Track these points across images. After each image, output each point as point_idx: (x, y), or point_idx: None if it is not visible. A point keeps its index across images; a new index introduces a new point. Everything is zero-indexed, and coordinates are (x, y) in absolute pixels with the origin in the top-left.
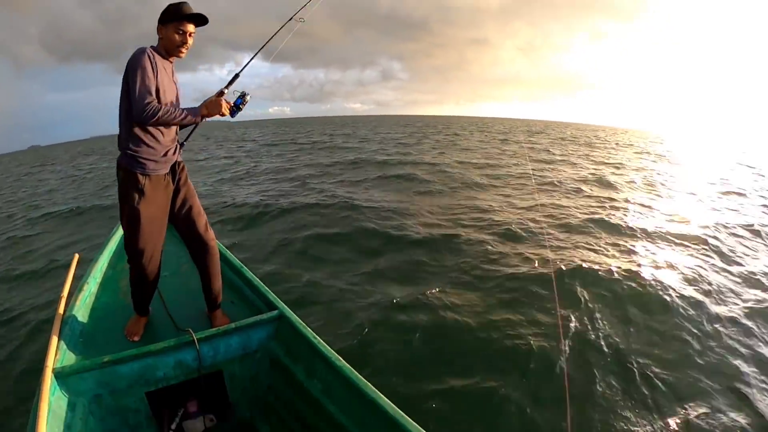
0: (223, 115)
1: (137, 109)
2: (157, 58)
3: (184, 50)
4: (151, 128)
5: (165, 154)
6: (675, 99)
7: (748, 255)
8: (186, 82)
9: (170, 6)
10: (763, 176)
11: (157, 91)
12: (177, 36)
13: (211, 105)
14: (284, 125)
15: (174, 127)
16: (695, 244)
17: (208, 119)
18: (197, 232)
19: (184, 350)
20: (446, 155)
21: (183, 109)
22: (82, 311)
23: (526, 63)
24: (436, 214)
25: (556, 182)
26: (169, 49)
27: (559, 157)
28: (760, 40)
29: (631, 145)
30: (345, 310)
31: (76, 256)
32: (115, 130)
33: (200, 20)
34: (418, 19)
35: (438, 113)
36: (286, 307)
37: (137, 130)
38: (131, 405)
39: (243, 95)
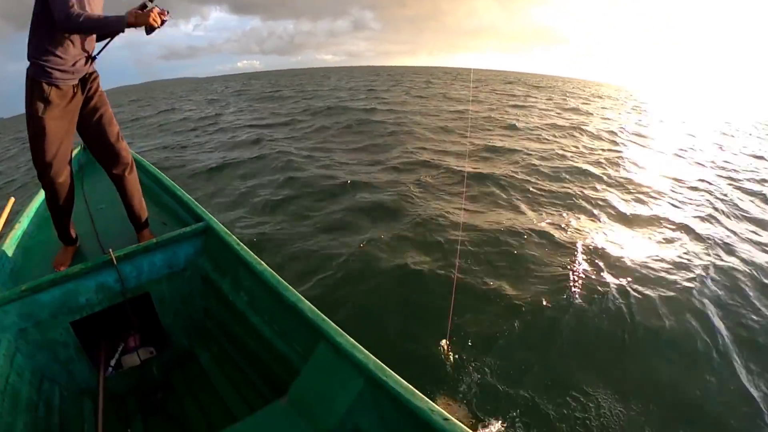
0: (150, 26)
1: (59, 14)
2: None
3: None
4: (60, 38)
5: (74, 64)
6: (659, 59)
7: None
8: (151, 40)
9: None
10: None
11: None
12: None
13: (140, 15)
14: (253, 78)
15: (85, 39)
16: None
17: (132, 29)
18: (108, 142)
19: (105, 272)
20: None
21: (107, 16)
22: (12, 249)
23: (503, 14)
24: (370, 164)
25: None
26: None
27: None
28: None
29: (601, 97)
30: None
31: (12, 199)
32: None
33: None
34: None
35: (411, 64)
36: (213, 218)
37: (46, 40)
38: (58, 337)
39: (164, 12)
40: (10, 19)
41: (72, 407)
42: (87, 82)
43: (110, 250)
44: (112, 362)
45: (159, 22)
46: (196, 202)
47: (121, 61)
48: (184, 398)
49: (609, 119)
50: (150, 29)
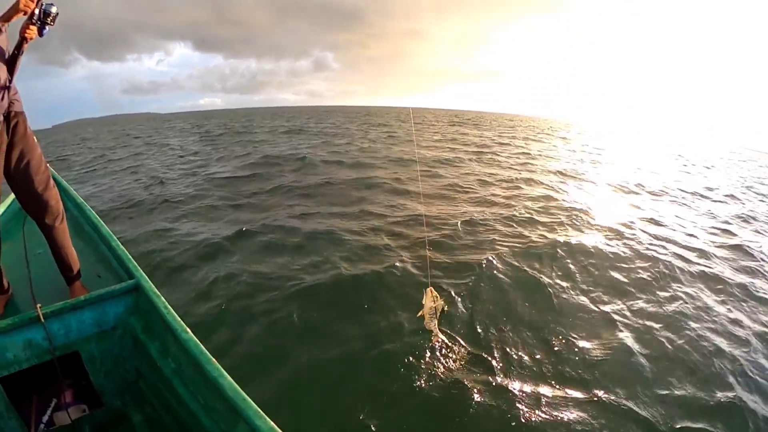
0: (24, 13)
1: None
2: None
3: None
4: None
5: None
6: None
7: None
8: (113, 72)
9: None
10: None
11: None
12: None
13: (9, 10)
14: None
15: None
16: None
17: (8, 23)
18: (35, 191)
19: (32, 328)
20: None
21: None
22: None
23: (460, 55)
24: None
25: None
26: None
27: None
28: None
29: (533, 128)
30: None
31: None
32: (43, 124)
33: None
34: (351, 8)
35: (372, 104)
36: (144, 275)
37: None
38: None
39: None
40: None
41: None
42: (10, 120)
43: (38, 306)
44: (44, 419)
45: (31, 7)
46: (129, 256)
47: (82, 94)
48: None
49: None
50: (41, 25)
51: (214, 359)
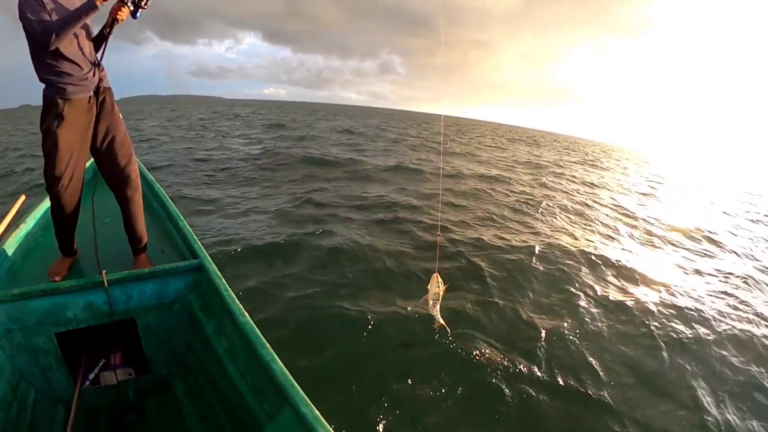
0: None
1: (40, 38)
2: None
3: None
4: (61, 52)
5: (83, 78)
6: (675, 122)
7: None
8: (184, 54)
9: None
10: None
11: (52, 13)
12: None
13: None
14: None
15: (85, 48)
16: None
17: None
18: (118, 165)
19: (95, 291)
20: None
21: (76, 9)
22: (13, 247)
23: (526, 71)
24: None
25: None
26: None
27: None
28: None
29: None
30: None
31: (22, 197)
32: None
33: None
34: (423, 15)
35: (433, 111)
36: (207, 256)
37: (49, 60)
38: (41, 344)
39: None
40: None
41: (45, 412)
42: (99, 95)
43: (103, 272)
44: (90, 376)
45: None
46: (195, 237)
47: (152, 71)
48: (154, 426)
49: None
50: (134, 9)
51: (268, 344)
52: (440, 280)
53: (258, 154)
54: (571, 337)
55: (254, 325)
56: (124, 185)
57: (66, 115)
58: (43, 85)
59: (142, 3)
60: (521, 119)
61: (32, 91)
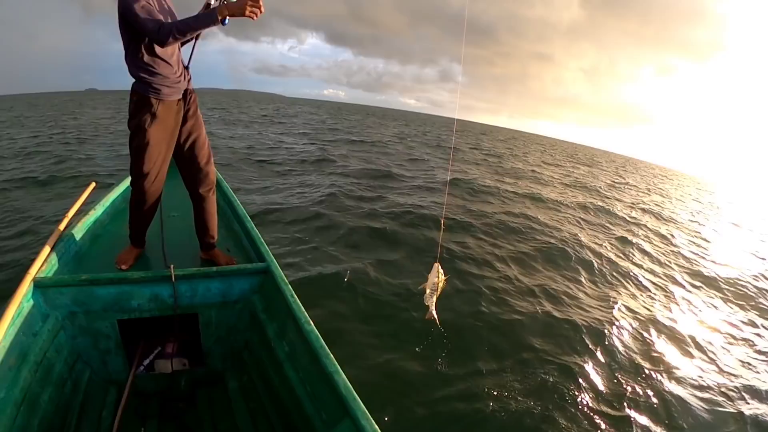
0: (249, 17)
1: (155, 36)
2: None
3: None
4: (158, 54)
5: (176, 78)
6: (742, 149)
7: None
8: (247, 51)
9: None
10: None
11: (162, 12)
12: None
13: (233, 6)
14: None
15: (177, 51)
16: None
17: (225, 23)
18: (197, 164)
19: (161, 284)
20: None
21: (196, 16)
22: (81, 232)
23: (588, 87)
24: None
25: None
26: None
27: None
28: None
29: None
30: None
31: (93, 183)
32: None
33: None
34: (485, 24)
35: (490, 123)
36: (274, 260)
37: (146, 58)
38: (103, 329)
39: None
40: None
41: (97, 392)
42: (187, 97)
43: (171, 266)
44: (146, 362)
45: (257, 14)
46: (262, 240)
47: (216, 65)
48: (204, 417)
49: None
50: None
51: (331, 354)
52: (441, 270)
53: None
54: None
55: (319, 334)
56: (202, 184)
57: (159, 114)
58: (132, 80)
59: None
60: (581, 137)
61: (97, 77)
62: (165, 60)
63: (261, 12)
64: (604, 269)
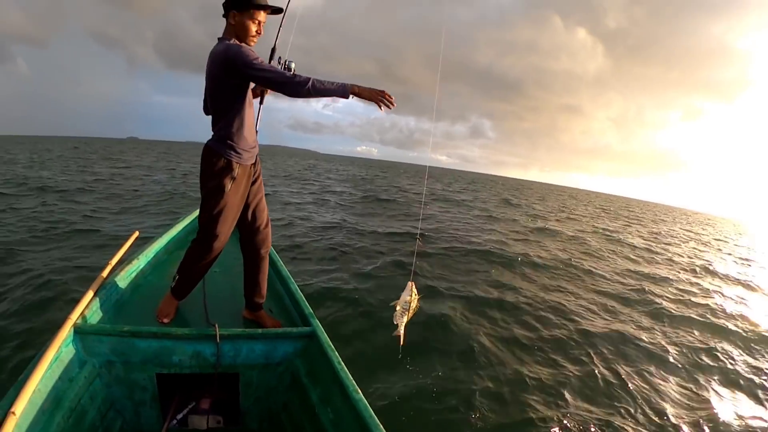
0: (378, 105)
1: (290, 88)
2: None
3: (256, 39)
4: (246, 119)
5: (253, 145)
6: None
7: None
8: (282, 108)
9: None
10: None
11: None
12: (252, 25)
13: (365, 90)
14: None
15: (254, 117)
16: None
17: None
18: (259, 226)
19: (205, 342)
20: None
21: (332, 82)
22: (123, 281)
23: (617, 136)
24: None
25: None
26: (241, 36)
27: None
28: None
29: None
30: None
31: (136, 233)
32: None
33: (275, 10)
34: (513, 79)
35: (522, 177)
36: (319, 325)
37: (236, 121)
38: (140, 381)
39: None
40: (164, 57)
41: None
42: (256, 162)
43: (216, 325)
44: (179, 416)
45: (389, 105)
46: (306, 302)
47: None
48: None
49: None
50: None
51: (381, 426)
52: (415, 290)
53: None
54: None
55: (368, 404)
56: (262, 245)
57: (238, 178)
58: (212, 139)
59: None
60: (614, 188)
61: (138, 126)
62: (249, 124)
63: (391, 107)
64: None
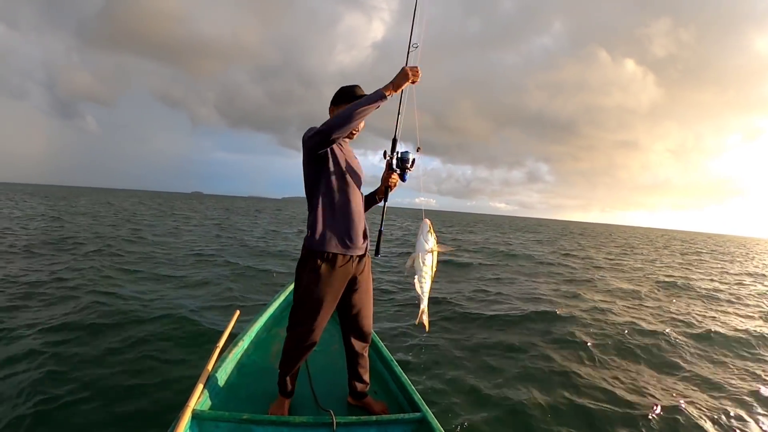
0: (413, 82)
1: (322, 131)
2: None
3: (356, 132)
4: (338, 208)
5: (351, 239)
6: None
7: None
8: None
9: (344, 88)
10: None
11: (347, 167)
12: None
13: (395, 78)
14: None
15: (359, 208)
16: None
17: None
18: (358, 325)
19: (321, 430)
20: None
21: (359, 100)
22: (230, 364)
23: (677, 167)
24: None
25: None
26: None
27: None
28: None
29: None
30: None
31: (237, 312)
32: (272, 194)
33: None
34: (565, 119)
35: (582, 219)
36: (429, 410)
37: (326, 210)
38: None
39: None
40: (225, 116)
41: None
42: (362, 258)
43: (332, 412)
44: None
45: (417, 77)
46: (413, 387)
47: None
48: None
49: None
50: (401, 173)
51: None
52: (433, 233)
53: None
54: None
55: None
56: (360, 341)
57: (323, 273)
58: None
59: (407, 165)
60: (677, 222)
61: (202, 181)
62: (345, 213)
63: (419, 76)
64: None
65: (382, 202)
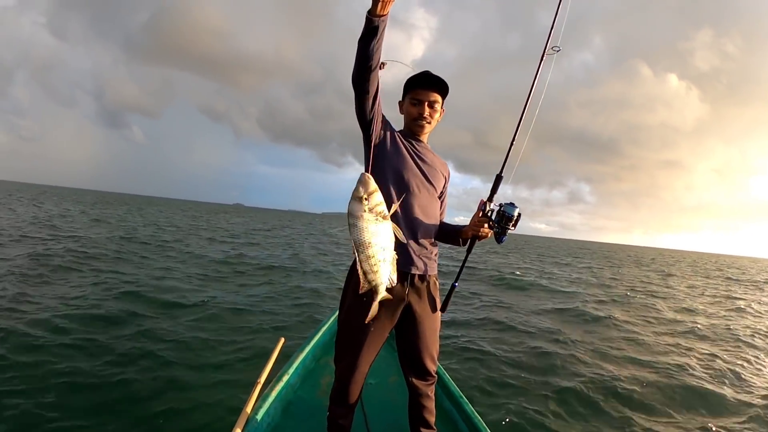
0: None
1: (355, 67)
2: (400, 136)
3: (422, 123)
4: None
5: (404, 252)
6: None
7: None
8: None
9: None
10: None
11: (412, 165)
12: (412, 107)
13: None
14: None
15: (424, 219)
16: None
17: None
18: (420, 363)
19: None
20: None
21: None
22: (275, 401)
23: (722, 187)
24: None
25: None
26: (409, 125)
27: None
28: None
29: None
30: None
31: (282, 340)
32: (311, 208)
33: (436, 85)
34: (607, 138)
35: (624, 242)
36: None
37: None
38: None
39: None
40: (267, 131)
41: None
42: (424, 280)
43: None
44: None
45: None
46: (487, 429)
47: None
48: None
49: None
50: (499, 230)
51: None
52: (374, 189)
53: None
54: None
55: None
56: (422, 378)
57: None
58: None
59: (509, 224)
60: (722, 245)
61: (244, 194)
62: (405, 219)
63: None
64: None
65: (465, 249)
